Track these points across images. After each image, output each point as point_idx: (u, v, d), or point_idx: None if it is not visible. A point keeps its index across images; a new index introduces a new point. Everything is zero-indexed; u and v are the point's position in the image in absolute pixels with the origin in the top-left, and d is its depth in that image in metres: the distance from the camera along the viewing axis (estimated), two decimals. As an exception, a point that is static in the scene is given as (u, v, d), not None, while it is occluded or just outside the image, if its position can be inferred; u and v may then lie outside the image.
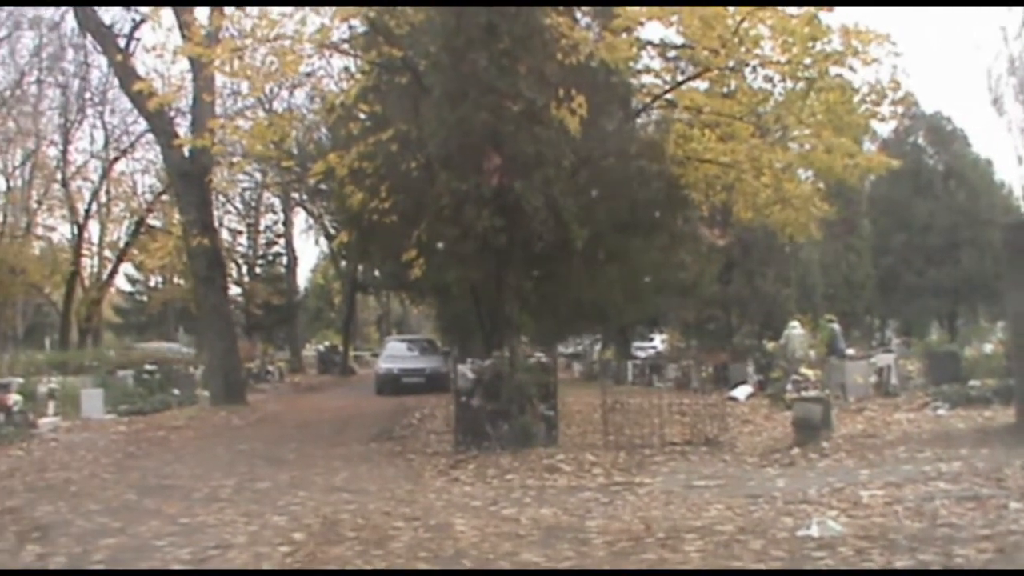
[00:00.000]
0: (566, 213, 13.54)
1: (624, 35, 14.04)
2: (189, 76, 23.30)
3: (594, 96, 13.43)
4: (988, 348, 20.24)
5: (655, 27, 15.20)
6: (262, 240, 48.29)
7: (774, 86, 15.21)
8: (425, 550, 6.69)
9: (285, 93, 30.18)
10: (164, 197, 37.76)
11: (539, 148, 13.05)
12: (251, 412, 21.50)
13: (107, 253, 42.68)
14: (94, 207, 40.92)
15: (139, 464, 12.71)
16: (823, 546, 6.29)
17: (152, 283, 50.39)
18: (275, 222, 48.15)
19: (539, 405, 13.28)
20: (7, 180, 40.70)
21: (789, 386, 16.16)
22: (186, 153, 23.03)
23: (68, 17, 30.78)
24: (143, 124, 31.47)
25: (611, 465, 11.43)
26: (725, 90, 15.40)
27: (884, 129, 34.97)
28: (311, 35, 14.14)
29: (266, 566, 6.40)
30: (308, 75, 19.86)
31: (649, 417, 13.56)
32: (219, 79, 22.97)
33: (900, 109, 17.76)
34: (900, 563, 5.75)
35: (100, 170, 40.05)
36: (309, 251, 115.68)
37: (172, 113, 25.09)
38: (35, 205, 40.44)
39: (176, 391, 23.47)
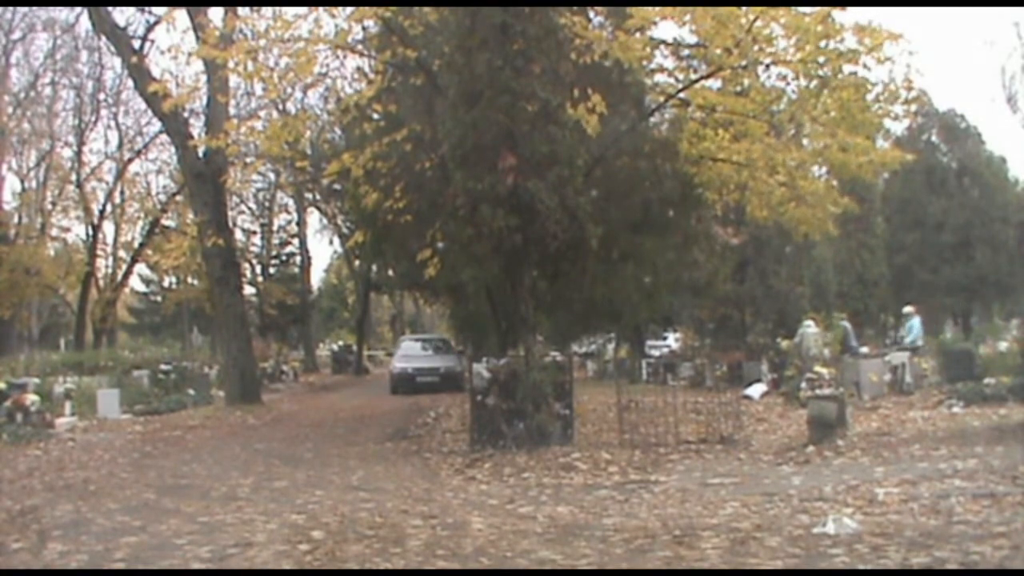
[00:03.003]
0: (580, 212, 13.54)
1: (638, 34, 14.06)
2: (203, 77, 23.39)
3: (608, 95, 13.43)
4: (1003, 346, 20.18)
5: (668, 26, 15.25)
6: (276, 240, 48.50)
7: (787, 84, 15.21)
8: (443, 548, 6.72)
9: (298, 93, 30.30)
10: (178, 198, 37.96)
11: (553, 148, 13.05)
12: (266, 412, 21.58)
13: (122, 254, 43.00)
14: (108, 208, 41.27)
15: (156, 463, 12.78)
16: (839, 543, 6.32)
17: (166, 283, 50.49)
18: (289, 222, 48.38)
19: (555, 404, 13.29)
20: (22, 181, 41.20)
21: (803, 384, 16.12)
22: (200, 154, 23.14)
23: (82, 19, 31.17)
24: (157, 125, 31.78)
25: (627, 463, 11.47)
26: (738, 89, 15.36)
27: (897, 127, 34.83)
28: (326, 36, 14.20)
29: (286, 564, 6.44)
30: (322, 75, 19.94)
31: (664, 416, 13.58)
32: (233, 80, 23.08)
33: (914, 108, 17.72)
34: (916, 560, 5.76)
35: (114, 171, 40.39)
36: (323, 251, 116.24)
37: (186, 114, 25.17)
38: (50, 206, 40.75)
39: (191, 391, 23.59)
